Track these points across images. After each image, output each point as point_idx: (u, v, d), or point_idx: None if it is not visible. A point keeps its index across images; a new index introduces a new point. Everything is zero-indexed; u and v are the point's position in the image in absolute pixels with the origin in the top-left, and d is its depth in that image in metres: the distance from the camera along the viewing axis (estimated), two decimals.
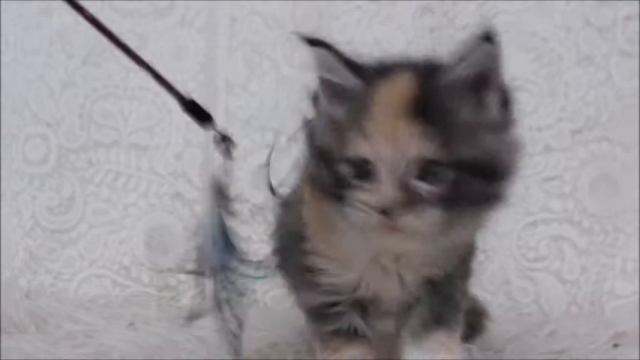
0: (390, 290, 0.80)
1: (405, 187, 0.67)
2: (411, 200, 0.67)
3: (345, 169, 0.70)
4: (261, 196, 1.45)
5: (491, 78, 0.70)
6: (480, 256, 1.39)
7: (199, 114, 0.96)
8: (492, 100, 0.71)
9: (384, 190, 0.67)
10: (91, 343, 1.12)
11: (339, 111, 0.73)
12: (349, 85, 0.72)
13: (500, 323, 1.23)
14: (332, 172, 0.71)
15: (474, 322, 1.00)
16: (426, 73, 0.71)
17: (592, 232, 1.42)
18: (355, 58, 0.75)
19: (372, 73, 0.73)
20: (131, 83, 1.50)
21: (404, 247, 0.73)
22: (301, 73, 1.49)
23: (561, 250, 1.42)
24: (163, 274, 1.45)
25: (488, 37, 0.68)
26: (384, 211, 0.67)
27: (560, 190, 1.44)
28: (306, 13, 1.49)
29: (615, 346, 1.09)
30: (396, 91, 0.69)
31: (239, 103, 1.49)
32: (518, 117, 0.75)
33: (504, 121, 0.73)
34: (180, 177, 1.48)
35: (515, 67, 1.45)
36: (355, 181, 0.70)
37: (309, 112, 0.80)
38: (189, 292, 1.45)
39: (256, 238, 1.47)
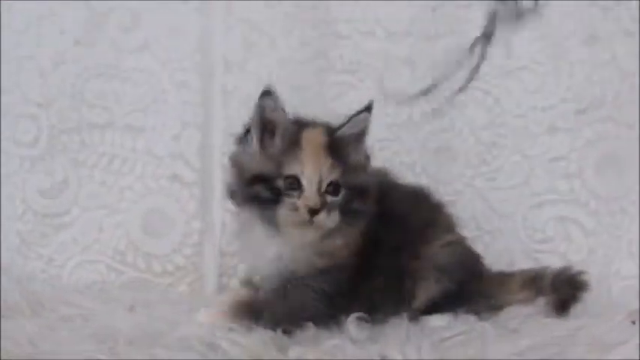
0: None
1: (321, 197, 1.04)
2: (324, 205, 1.03)
3: (280, 184, 1.04)
4: None
5: (364, 134, 1.09)
6: (485, 238, 1.42)
7: None
8: (362, 149, 1.10)
9: (310, 197, 1.03)
10: (89, 325, 1.08)
11: (272, 144, 1.07)
12: (285, 126, 1.06)
13: None
14: (268, 187, 1.05)
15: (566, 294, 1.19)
16: (329, 128, 1.09)
17: (598, 213, 1.40)
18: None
19: (297, 121, 1.09)
20: (125, 62, 1.45)
21: (310, 237, 1.05)
22: (301, 52, 1.46)
23: (568, 232, 1.41)
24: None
25: (367, 108, 1.08)
26: (310, 211, 1.02)
27: (566, 170, 1.42)
28: None
29: (633, 322, 1.06)
30: (316, 136, 1.07)
31: (236, 82, 1.45)
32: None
33: (367, 163, 1.11)
34: (177, 158, 1.44)
35: (520, 47, 1.44)
36: (288, 192, 1.04)
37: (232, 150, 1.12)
38: (187, 278, 1.43)
39: None
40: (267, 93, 1.05)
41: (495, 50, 1.41)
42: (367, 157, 1.12)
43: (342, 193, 1.05)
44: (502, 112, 1.44)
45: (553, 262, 1.38)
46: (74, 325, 1.09)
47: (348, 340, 0.96)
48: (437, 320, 1.08)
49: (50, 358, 0.89)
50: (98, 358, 0.89)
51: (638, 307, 1.14)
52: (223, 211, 1.42)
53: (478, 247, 1.37)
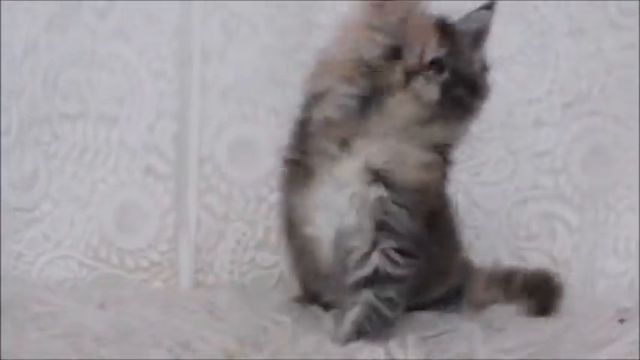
0: None
1: (421, 65, 0.95)
2: (422, 69, 0.95)
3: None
4: (238, 171, 1.40)
5: (485, 32, 1.02)
6: (468, 234, 1.39)
7: None
8: (480, 49, 1.02)
9: (408, 58, 0.94)
10: (59, 323, 1.03)
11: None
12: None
13: None
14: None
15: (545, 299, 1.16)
16: (442, 16, 1.01)
17: (584, 209, 1.37)
18: None
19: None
20: (100, 50, 1.40)
21: (408, 108, 0.95)
22: (282, 42, 1.41)
23: (552, 229, 1.38)
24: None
25: (488, 6, 1.01)
26: (406, 73, 0.94)
27: (552, 165, 1.39)
28: None
29: (621, 321, 1.04)
30: (427, 16, 0.98)
31: (215, 72, 1.40)
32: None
33: (484, 66, 1.03)
34: (152, 150, 1.39)
35: (507, 38, 1.41)
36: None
37: None
38: (162, 274, 1.38)
39: (235, 216, 1.40)
40: None
41: None
42: (484, 67, 1.03)
43: (446, 75, 0.96)
44: (487, 105, 1.40)
45: (537, 258, 1.37)
46: (43, 323, 1.03)
47: (327, 336, 0.92)
48: (420, 316, 1.04)
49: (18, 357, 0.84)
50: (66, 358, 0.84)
51: (625, 306, 1.12)
52: (199, 206, 1.37)
53: None
